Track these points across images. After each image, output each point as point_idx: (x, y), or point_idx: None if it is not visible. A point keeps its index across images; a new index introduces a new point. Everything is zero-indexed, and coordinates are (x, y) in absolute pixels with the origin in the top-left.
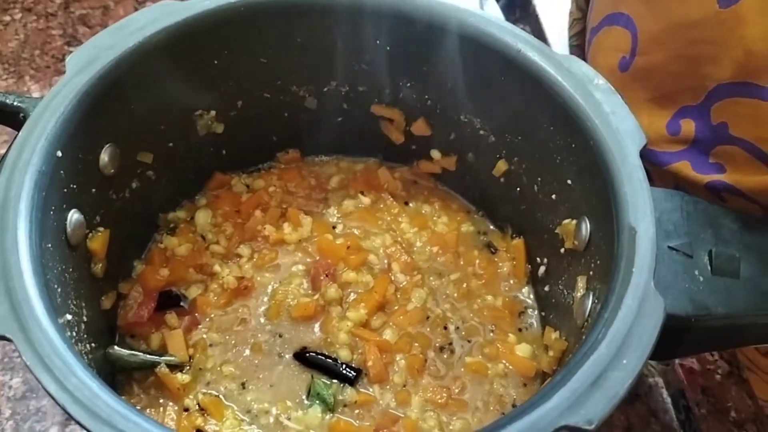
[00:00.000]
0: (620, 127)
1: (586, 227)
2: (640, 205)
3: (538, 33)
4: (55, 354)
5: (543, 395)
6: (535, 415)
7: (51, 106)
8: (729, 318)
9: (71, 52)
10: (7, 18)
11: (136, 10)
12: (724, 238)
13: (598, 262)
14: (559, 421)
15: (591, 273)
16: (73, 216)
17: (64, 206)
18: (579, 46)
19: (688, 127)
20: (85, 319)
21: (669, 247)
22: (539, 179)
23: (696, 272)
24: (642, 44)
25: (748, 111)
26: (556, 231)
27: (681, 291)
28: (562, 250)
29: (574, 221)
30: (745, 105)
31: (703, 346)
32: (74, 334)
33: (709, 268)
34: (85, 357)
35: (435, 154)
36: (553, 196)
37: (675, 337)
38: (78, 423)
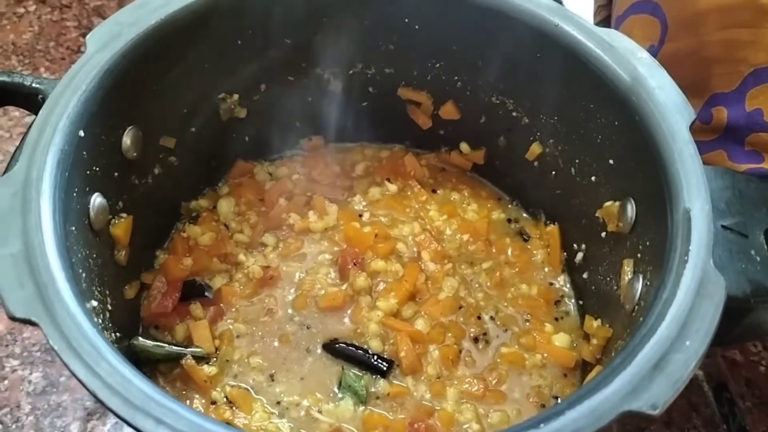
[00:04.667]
0: (668, 102)
1: (631, 208)
2: (694, 182)
3: None
4: (84, 338)
5: (602, 380)
6: (596, 401)
7: (72, 84)
8: None
9: (86, 43)
10: (21, 10)
11: None
12: None
13: (647, 243)
14: (622, 406)
15: (639, 255)
16: (96, 200)
17: (87, 189)
18: None
19: (720, 114)
20: (109, 307)
21: (723, 226)
22: (577, 161)
23: (752, 252)
24: (672, 31)
25: None
26: (596, 215)
27: (737, 272)
28: (603, 234)
29: (618, 203)
30: None
31: (760, 330)
32: (100, 321)
33: (765, 247)
34: None
35: (464, 147)
36: (593, 178)
37: (732, 320)
38: (110, 410)
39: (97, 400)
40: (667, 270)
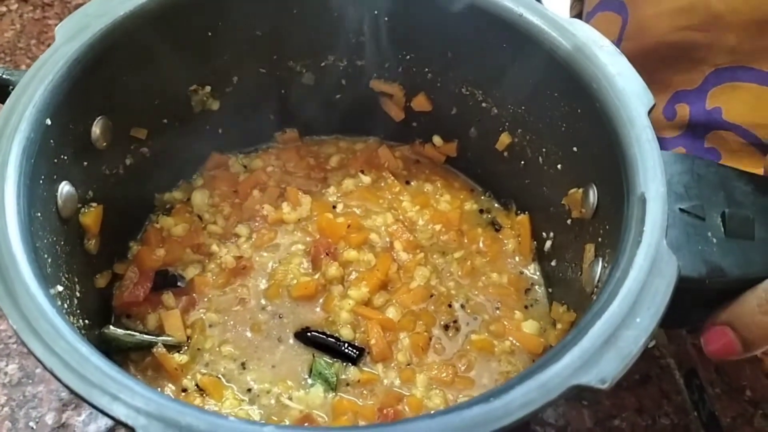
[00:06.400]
0: (627, 89)
1: (593, 194)
2: (650, 165)
3: None
4: (43, 318)
5: (554, 355)
6: (546, 375)
7: (39, 74)
8: (744, 281)
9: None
10: (3, 8)
11: None
12: (736, 200)
13: (607, 227)
14: (571, 380)
15: (600, 239)
16: (64, 188)
17: (55, 177)
18: None
19: (683, 111)
20: (78, 294)
21: (680, 209)
22: (544, 150)
23: (709, 234)
24: (629, 30)
25: (744, 96)
26: (563, 202)
27: (694, 253)
28: (569, 221)
29: (581, 189)
30: (741, 90)
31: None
32: (66, 306)
33: (722, 230)
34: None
35: (437, 140)
36: (559, 166)
37: (689, 301)
38: (67, 387)
39: (54, 377)
40: (622, 251)
